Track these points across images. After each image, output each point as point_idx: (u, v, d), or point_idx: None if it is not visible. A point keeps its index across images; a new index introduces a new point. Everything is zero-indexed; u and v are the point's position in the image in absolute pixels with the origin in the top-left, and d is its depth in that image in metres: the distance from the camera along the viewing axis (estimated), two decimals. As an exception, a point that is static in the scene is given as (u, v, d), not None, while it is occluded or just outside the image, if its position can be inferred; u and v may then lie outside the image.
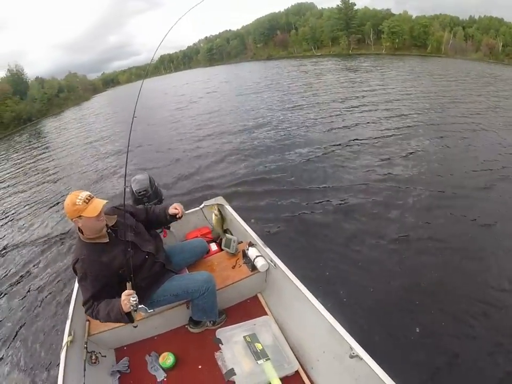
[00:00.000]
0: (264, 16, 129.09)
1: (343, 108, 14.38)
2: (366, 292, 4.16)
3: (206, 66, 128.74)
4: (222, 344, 2.84)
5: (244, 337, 2.84)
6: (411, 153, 8.92)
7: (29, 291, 5.75)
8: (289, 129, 11.75)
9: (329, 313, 2.53)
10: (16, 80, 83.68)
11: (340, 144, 9.75)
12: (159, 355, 2.93)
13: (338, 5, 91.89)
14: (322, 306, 2.59)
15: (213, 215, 3.97)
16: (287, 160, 8.99)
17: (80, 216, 2.43)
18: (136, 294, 2.41)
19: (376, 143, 9.81)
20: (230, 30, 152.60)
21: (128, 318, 2.43)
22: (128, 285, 2.48)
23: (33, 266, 6.53)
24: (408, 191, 6.91)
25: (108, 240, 2.63)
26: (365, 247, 5.17)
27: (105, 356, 3.03)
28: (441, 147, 9.41)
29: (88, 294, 2.48)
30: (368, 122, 11.83)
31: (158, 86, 58.18)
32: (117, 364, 3.06)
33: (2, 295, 5.92)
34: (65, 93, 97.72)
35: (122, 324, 2.80)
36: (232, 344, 2.84)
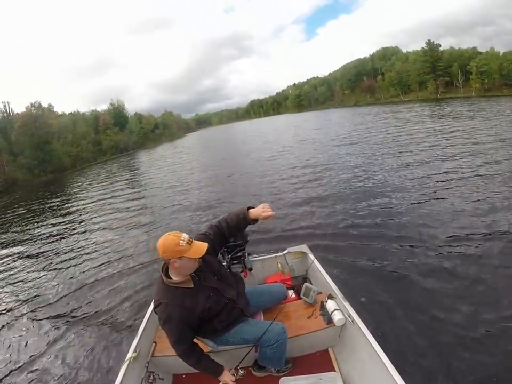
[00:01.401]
0: (351, 62, 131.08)
1: (444, 157, 13.35)
2: (451, 369, 3.62)
3: (294, 112, 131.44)
4: None
5: None
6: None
7: (108, 304, 6.14)
8: (383, 183, 11.13)
9: (403, 382, 2.31)
10: (117, 113, 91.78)
11: (436, 198, 8.95)
12: None
13: (423, 47, 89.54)
14: (397, 373, 2.37)
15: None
16: (376, 212, 8.47)
17: (182, 257, 2.44)
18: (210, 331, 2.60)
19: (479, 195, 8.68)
20: (317, 76, 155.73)
21: None
22: (228, 373, 2.67)
23: (117, 282, 7.02)
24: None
25: (193, 286, 2.63)
26: (462, 316, 4.39)
27: (162, 379, 3.07)
28: None
29: (174, 338, 2.53)
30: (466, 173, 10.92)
31: (248, 129, 59.91)
32: None
33: (87, 302, 6.41)
34: (160, 129, 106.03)
35: None
36: None
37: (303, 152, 19.93)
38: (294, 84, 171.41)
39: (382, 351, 2.58)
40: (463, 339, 3.97)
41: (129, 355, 2.94)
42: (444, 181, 9.90)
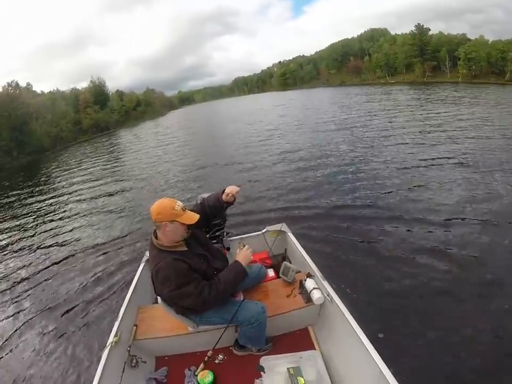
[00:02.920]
0: (338, 42, 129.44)
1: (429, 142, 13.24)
2: (429, 348, 3.71)
3: (279, 90, 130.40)
4: (264, 373, 2.77)
5: (288, 369, 2.71)
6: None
7: (86, 289, 6.10)
8: (366, 162, 11.19)
9: (381, 359, 2.37)
10: (98, 91, 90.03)
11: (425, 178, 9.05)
12: (199, 371, 2.89)
13: (412, 31, 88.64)
14: (375, 350, 2.45)
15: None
16: (356, 192, 8.59)
17: (174, 221, 2.57)
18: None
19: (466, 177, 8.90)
20: (303, 55, 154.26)
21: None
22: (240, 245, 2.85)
23: (92, 267, 6.94)
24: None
25: (187, 249, 2.74)
26: (435, 297, 4.54)
27: (145, 362, 3.10)
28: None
29: (192, 286, 2.57)
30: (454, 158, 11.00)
31: (232, 107, 59.41)
32: (155, 372, 3.13)
33: (63, 286, 6.40)
34: (143, 107, 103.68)
35: (171, 334, 3.14)
36: (274, 374, 2.76)
37: (286, 133, 19.86)
38: (280, 62, 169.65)
39: (360, 329, 2.65)
40: (440, 316, 4.12)
41: (110, 340, 2.95)
42: (425, 166, 10.00)
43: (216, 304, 2.75)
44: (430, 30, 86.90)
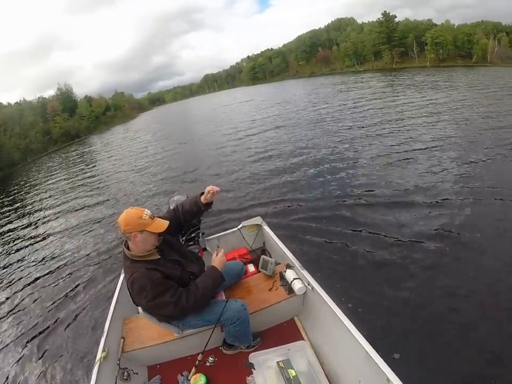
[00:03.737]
0: (305, 34, 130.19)
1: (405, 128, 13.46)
2: (408, 324, 3.90)
3: (249, 85, 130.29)
4: (254, 369, 2.79)
5: (277, 362, 2.76)
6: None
7: (66, 307, 5.96)
8: (341, 153, 11.36)
9: (366, 341, 2.43)
10: (65, 98, 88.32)
11: (397, 163, 9.43)
12: (191, 375, 2.92)
13: (379, 18, 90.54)
14: (360, 334, 2.50)
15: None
16: (329, 183, 8.75)
17: (143, 230, 2.53)
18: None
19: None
20: (272, 48, 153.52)
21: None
22: (215, 257, 2.93)
23: (73, 283, 6.81)
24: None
25: (160, 257, 2.71)
26: (410, 278, 4.73)
27: (137, 373, 3.08)
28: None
29: (168, 295, 2.55)
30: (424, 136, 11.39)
31: (204, 106, 59.06)
32: (149, 381, 3.13)
33: (39, 306, 6.25)
34: (112, 111, 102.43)
35: (158, 342, 3.13)
36: (265, 369, 2.77)
37: (258, 131, 19.71)
38: (248, 56, 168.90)
39: (344, 315, 2.70)
40: (423, 302, 4.23)
41: (98, 355, 2.91)
42: (404, 152, 10.23)
43: (196, 310, 2.77)
44: (396, 17, 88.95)
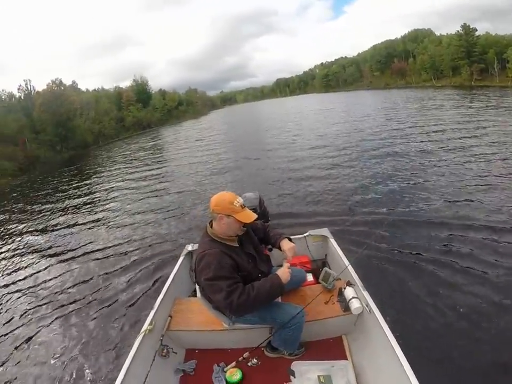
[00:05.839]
0: (381, 43, 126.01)
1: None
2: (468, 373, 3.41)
3: (321, 92, 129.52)
4: (294, 377, 2.76)
5: (318, 376, 2.72)
6: None
7: (123, 281, 6.32)
8: (419, 173, 10.35)
9: (414, 376, 2.27)
10: (140, 90, 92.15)
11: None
12: (228, 368, 2.90)
13: (458, 31, 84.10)
14: (411, 370, 2.33)
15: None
16: (404, 202, 8.12)
17: (230, 215, 2.64)
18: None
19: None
20: (345, 57, 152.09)
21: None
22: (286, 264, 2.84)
23: (132, 259, 7.18)
24: None
25: (238, 246, 2.80)
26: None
27: (176, 353, 3.19)
28: None
29: (226, 284, 2.55)
30: None
31: (275, 109, 59.23)
32: (184, 363, 3.22)
33: (100, 277, 6.64)
34: (184, 106, 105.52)
35: (204, 328, 3.19)
36: (304, 380, 2.74)
37: (332, 137, 19.27)
38: (322, 63, 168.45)
39: (397, 344, 2.57)
40: (496, 348, 3.66)
41: (144, 327, 3.08)
42: (481, 176, 9.26)
43: (243, 311, 2.71)
44: (476, 30, 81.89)
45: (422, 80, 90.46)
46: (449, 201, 7.70)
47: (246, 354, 2.82)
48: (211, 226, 2.79)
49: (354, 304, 3.03)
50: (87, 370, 4.18)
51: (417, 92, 56.55)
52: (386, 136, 17.33)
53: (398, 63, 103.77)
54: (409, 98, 43.32)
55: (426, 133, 16.66)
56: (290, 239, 3.10)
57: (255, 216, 2.73)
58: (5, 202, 19.27)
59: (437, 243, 5.93)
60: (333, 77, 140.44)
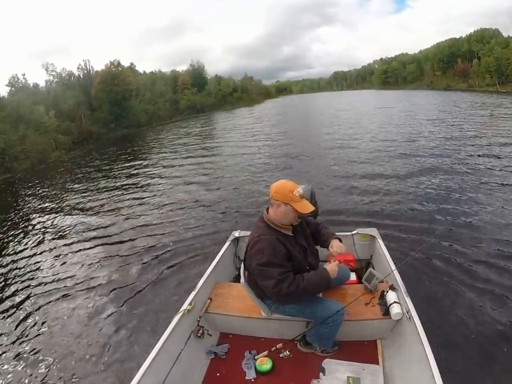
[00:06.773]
0: (444, 41, 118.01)
1: None
2: None
3: (379, 88, 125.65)
4: (324, 375, 2.77)
5: (348, 377, 2.72)
6: None
7: (168, 261, 6.54)
8: (479, 182, 9.68)
9: None
10: (196, 75, 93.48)
11: None
12: (260, 356, 2.98)
13: None
14: (441, 380, 2.25)
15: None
16: (461, 212, 7.66)
17: (288, 204, 2.68)
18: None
19: None
20: (406, 53, 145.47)
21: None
22: (329, 265, 2.86)
23: (179, 241, 7.41)
24: None
25: (292, 235, 2.87)
26: None
27: (210, 335, 3.32)
28: None
29: (277, 272, 2.62)
30: None
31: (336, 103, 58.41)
32: (217, 346, 3.31)
33: (146, 256, 6.89)
34: (239, 93, 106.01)
35: (242, 314, 3.29)
36: (333, 379, 2.75)
37: (395, 138, 18.26)
38: (381, 58, 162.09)
39: (433, 358, 2.47)
40: None
41: (184, 307, 3.22)
42: None
43: (290, 301, 2.79)
44: None
45: (486, 84, 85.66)
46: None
47: (279, 345, 2.89)
48: (267, 213, 2.85)
49: (395, 309, 2.97)
50: (124, 342, 4.40)
51: (483, 96, 53.03)
52: (459, 145, 15.54)
53: (462, 64, 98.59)
54: (476, 103, 40.83)
55: (499, 146, 15.55)
56: (340, 240, 3.08)
57: (312, 208, 2.75)
58: (55, 175, 20.31)
59: (493, 261, 5.51)
60: (392, 74, 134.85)
